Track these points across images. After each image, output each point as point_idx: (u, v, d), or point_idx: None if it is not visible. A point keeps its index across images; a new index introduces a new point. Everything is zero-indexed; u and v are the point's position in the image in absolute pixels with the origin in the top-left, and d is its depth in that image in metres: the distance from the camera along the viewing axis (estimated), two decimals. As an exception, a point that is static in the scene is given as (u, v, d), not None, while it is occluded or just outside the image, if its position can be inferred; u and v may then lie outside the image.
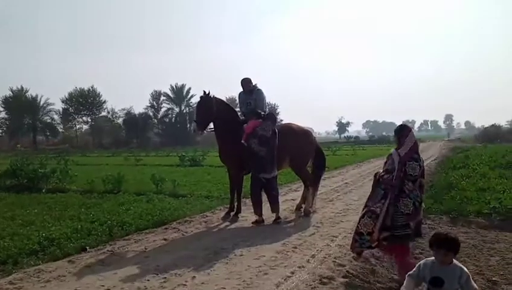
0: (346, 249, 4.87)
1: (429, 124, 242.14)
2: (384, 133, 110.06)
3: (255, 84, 7.14)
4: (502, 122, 75.07)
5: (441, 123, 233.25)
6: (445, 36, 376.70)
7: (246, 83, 7.12)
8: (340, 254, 4.65)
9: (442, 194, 9.08)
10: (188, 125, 75.43)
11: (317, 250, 4.88)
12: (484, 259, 5.15)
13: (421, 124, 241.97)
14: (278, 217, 6.47)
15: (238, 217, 6.81)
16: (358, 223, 4.24)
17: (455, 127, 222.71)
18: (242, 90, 7.23)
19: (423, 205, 4.17)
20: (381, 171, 4.30)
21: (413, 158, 4.04)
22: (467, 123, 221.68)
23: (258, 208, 6.44)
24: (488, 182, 10.30)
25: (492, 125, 62.66)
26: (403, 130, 4.27)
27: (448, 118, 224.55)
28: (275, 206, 6.47)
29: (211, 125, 6.78)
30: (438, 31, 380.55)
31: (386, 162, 4.34)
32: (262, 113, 6.87)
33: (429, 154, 27.84)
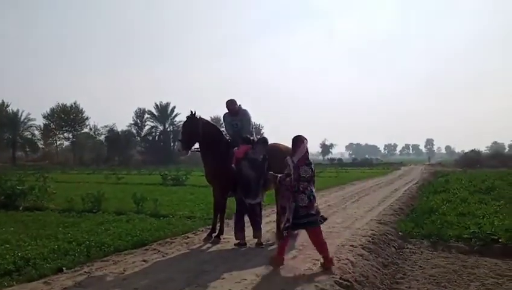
0: (328, 273, 4.84)
1: (410, 148, 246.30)
2: (367, 156, 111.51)
3: (240, 105, 7.16)
4: (482, 147, 76.74)
5: (422, 147, 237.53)
6: (426, 60, 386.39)
7: (230, 104, 7.12)
8: (323, 278, 4.61)
9: (423, 219, 9.19)
10: (172, 144, 75.14)
11: (300, 274, 4.83)
12: (464, 284, 5.20)
13: (403, 147, 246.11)
14: (260, 243, 6.38)
15: (220, 239, 6.72)
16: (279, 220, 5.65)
17: (436, 151, 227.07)
18: (227, 111, 7.23)
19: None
20: (281, 175, 5.30)
21: (305, 163, 5.12)
22: (448, 148, 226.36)
23: (240, 233, 6.36)
24: (468, 207, 10.48)
25: (472, 150, 64.15)
26: (297, 141, 5.26)
27: (429, 142, 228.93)
28: (257, 232, 6.38)
29: (196, 145, 6.74)
30: (419, 53, 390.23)
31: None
32: (252, 138, 6.86)
33: (410, 177, 28.19)
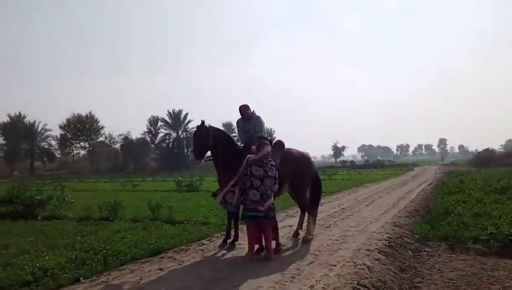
0: (345, 279, 4.82)
1: (423, 148, 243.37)
2: (379, 158, 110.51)
3: (253, 111, 7.18)
4: (495, 146, 75.38)
5: (435, 147, 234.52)
6: (438, 59, 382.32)
7: (244, 109, 7.15)
8: (340, 284, 4.59)
9: (439, 220, 9.08)
10: (185, 151, 75.54)
11: (316, 280, 4.81)
12: (484, 288, 5.11)
13: (416, 148, 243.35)
14: (278, 244, 6.38)
15: (235, 245, 6.74)
16: (226, 192, 6.25)
17: (449, 151, 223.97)
18: (240, 117, 7.27)
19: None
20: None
21: (259, 165, 5.84)
22: (461, 147, 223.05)
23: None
24: (483, 207, 10.31)
25: (486, 149, 63.07)
26: (262, 144, 6.00)
27: (442, 142, 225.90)
28: (275, 233, 6.40)
29: (209, 153, 6.81)
30: (430, 53, 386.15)
31: None
32: (269, 138, 6.91)
33: (424, 178, 27.86)
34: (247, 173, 5.91)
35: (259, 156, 5.91)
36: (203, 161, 6.83)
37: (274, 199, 6.44)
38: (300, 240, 7.08)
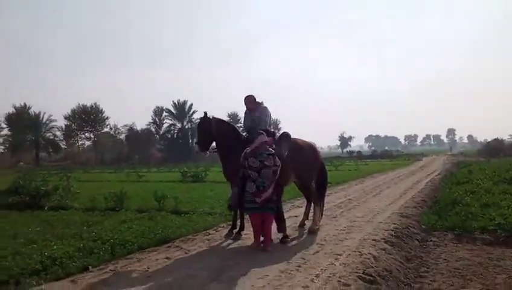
0: (351, 268, 4.82)
1: (432, 139, 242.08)
2: (386, 148, 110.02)
3: (262, 102, 7.15)
4: (505, 136, 74.78)
5: (443, 137, 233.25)
6: (443, 49, 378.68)
7: (248, 100, 7.13)
8: (345, 273, 4.59)
9: (447, 211, 9.04)
10: (190, 141, 75.66)
11: (322, 269, 4.82)
12: (491, 277, 5.09)
13: (424, 138, 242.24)
14: (285, 236, 6.40)
15: (241, 235, 6.76)
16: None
17: (458, 141, 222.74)
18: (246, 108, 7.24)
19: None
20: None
21: (254, 157, 5.84)
22: (470, 137, 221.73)
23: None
24: (492, 198, 10.24)
25: (495, 139, 62.46)
26: (257, 135, 6.06)
27: (451, 132, 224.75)
28: (282, 224, 6.41)
29: (214, 144, 6.83)
30: (435, 41, 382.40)
31: None
32: (273, 130, 6.90)
33: (432, 169, 27.75)
34: (245, 166, 5.91)
35: (253, 147, 5.92)
36: (208, 152, 6.86)
37: (281, 190, 6.44)
38: (307, 231, 7.08)
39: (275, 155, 6.02)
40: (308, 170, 7.25)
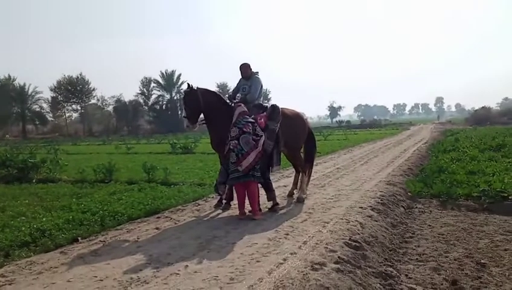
0: (337, 235, 4.91)
1: (420, 107, 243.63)
2: (375, 117, 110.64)
3: (257, 72, 7.08)
4: (492, 104, 75.45)
5: (431, 106, 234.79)
6: (433, 22, 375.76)
7: (243, 68, 7.05)
8: (332, 240, 4.68)
9: (433, 178, 9.19)
10: (179, 112, 75.11)
11: (309, 236, 4.91)
12: (473, 242, 5.24)
13: (412, 107, 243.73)
14: (275, 204, 6.48)
15: (230, 205, 6.81)
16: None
17: (446, 110, 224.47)
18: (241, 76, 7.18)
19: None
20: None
21: (233, 125, 5.98)
22: (458, 106, 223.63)
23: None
24: (478, 165, 10.43)
25: (483, 107, 63.14)
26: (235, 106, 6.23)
27: (439, 100, 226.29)
28: (271, 193, 6.48)
29: (202, 116, 6.74)
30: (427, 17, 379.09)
31: None
32: (265, 105, 6.88)
33: (420, 137, 28.03)
34: (229, 137, 6.02)
35: (234, 120, 6.04)
36: (197, 124, 6.77)
37: (270, 160, 6.48)
38: (295, 199, 7.17)
39: (254, 123, 6.09)
40: (296, 140, 7.26)
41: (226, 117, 6.32)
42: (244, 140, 5.91)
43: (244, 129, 5.95)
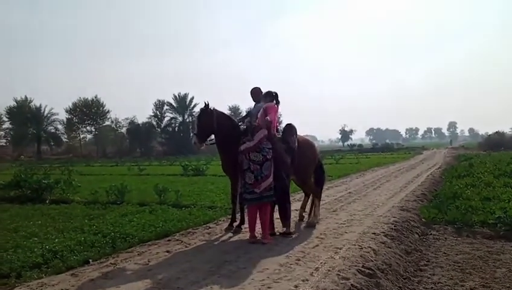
0: (350, 261, 4.84)
1: (433, 132, 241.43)
2: (387, 141, 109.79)
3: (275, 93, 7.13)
4: (506, 129, 74.48)
5: (444, 130, 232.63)
6: (446, 41, 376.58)
7: (253, 93, 7.11)
8: (344, 267, 4.61)
9: (447, 204, 9.04)
10: (191, 135, 75.67)
11: (321, 263, 4.83)
12: (490, 271, 5.11)
13: (425, 131, 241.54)
14: (289, 233, 6.32)
15: (241, 229, 6.77)
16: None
17: (459, 134, 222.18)
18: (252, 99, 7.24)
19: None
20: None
21: (256, 151, 5.93)
22: (471, 130, 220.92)
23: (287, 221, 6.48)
24: (493, 191, 10.26)
25: (496, 132, 62.28)
26: (255, 128, 6.13)
27: (452, 125, 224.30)
28: (287, 221, 6.39)
29: (211, 136, 6.76)
30: (439, 35, 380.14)
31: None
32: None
33: (433, 162, 27.73)
34: (246, 157, 5.99)
35: (254, 144, 5.96)
36: (205, 144, 6.77)
37: (288, 183, 6.47)
38: (305, 224, 7.10)
39: (272, 148, 6.10)
40: (306, 168, 7.17)
41: (237, 142, 6.31)
42: (266, 166, 5.94)
43: (268, 156, 5.96)
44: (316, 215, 7.22)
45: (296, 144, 6.61)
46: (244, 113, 7.61)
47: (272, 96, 6.76)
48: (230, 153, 6.51)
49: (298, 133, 7.13)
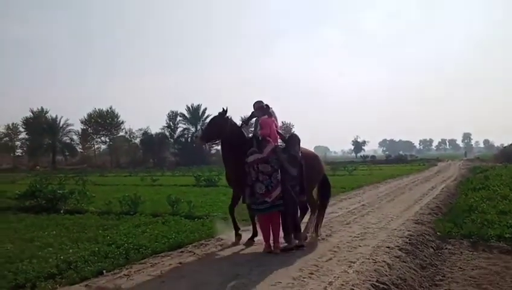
0: (364, 276, 4.78)
1: (447, 143, 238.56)
2: (401, 152, 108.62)
3: (271, 108, 7.14)
4: (522, 140, 73.06)
5: (459, 142, 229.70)
6: (458, 51, 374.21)
7: (255, 106, 7.07)
8: (358, 281, 4.56)
9: (462, 218, 8.90)
10: (204, 146, 76.04)
11: (335, 277, 4.79)
12: (507, 287, 5.00)
13: (439, 142, 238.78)
14: (301, 245, 6.27)
15: (254, 241, 6.75)
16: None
17: (474, 145, 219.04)
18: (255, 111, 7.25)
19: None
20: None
21: (265, 163, 6.05)
22: (486, 142, 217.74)
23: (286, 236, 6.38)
24: (509, 205, 10.08)
25: (512, 144, 61.24)
26: (263, 141, 6.27)
27: (467, 136, 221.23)
28: (298, 233, 6.34)
29: (216, 140, 6.84)
30: (452, 46, 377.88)
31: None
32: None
33: (448, 174, 27.37)
34: (253, 168, 6.10)
35: (263, 157, 6.10)
36: (207, 144, 6.88)
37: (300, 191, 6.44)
38: (319, 237, 7.02)
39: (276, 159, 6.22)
40: (308, 179, 6.75)
41: (243, 156, 6.30)
42: (275, 176, 6.09)
43: (275, 167, 6.12)
44: (308, 229, 6.95)
45: (300, 154, 6.53)
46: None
47: (264, 110, 6.77)
48: (235, 164, 6.52)
49: (309, 145, 7.11)
